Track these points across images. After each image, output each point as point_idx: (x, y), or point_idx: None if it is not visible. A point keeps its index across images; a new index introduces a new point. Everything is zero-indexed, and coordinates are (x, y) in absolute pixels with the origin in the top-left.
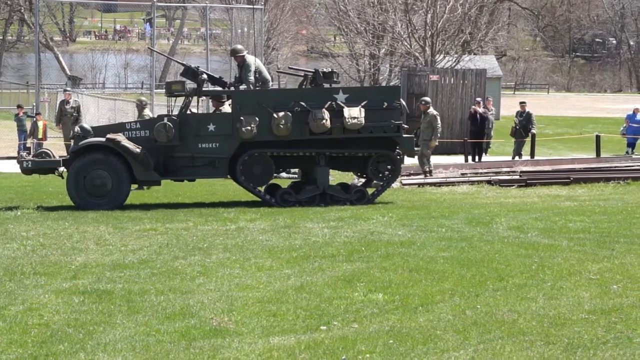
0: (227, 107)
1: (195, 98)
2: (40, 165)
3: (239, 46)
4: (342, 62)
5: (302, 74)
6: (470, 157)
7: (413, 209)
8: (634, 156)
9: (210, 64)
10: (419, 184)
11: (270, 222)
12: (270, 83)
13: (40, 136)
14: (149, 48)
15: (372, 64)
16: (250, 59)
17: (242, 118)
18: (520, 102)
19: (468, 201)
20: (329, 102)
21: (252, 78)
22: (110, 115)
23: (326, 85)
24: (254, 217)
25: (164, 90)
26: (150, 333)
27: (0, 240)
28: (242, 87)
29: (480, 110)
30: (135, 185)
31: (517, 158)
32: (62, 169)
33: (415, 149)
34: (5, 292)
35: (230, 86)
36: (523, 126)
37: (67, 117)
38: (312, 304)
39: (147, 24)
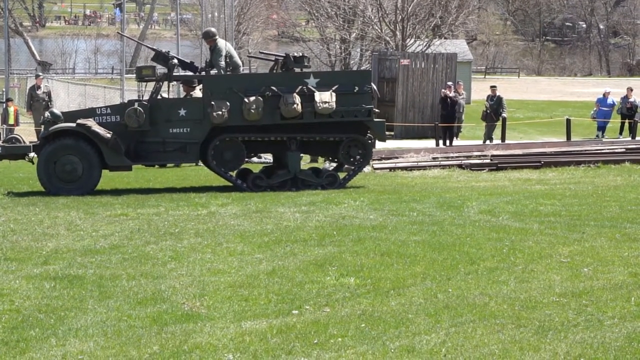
0: (197, 92)
1: (166, 83)
2: (10, 151)
3: (212, 29)
4: (313, 46)
5: (273, 59)
6: (441, 142)
7: (384, 193)
8: (604, 139)
9: (180, 49)
10: (390, 169)
11: (241, 206)
12: (241, 68)
13: (11, 122)
14: (118, 33)
15: (343, 48)
16: (222, 43)
17: (213, 103)
18: (491, 86)
19: (439, 185)
20: (300, 87)
21: (222, 63)
22: (80, 101)
23: (297, 70)
24: (225, 202)
25: (135, 75)
26: (122, 318)
27: None
28: (213, 71)
29: (451, 94)
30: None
31: (488, 142)
32: (32, 154)
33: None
34: None
35: (201, 71)
36: (494, 110)
37: (38, 102)
38: (284, 289)
39: (117, 8)
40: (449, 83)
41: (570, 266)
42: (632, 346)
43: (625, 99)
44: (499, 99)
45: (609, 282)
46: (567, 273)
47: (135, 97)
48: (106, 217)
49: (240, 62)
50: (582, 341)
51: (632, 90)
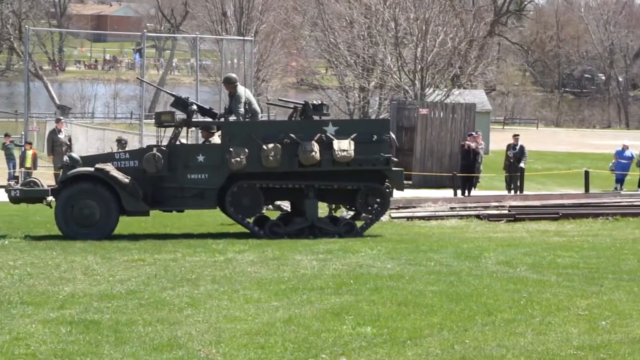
0: (216, 138)
1: (184, 129)
2: (28, 194)
3: (233, 75)
4: (332, 94)
5: (292, 106)
6: (459, 191)
7: (402, 242)
8: (622, 192)
9: (200, 95)
10: (408, 218)
11: (258, 253)
12: (260, 115)
13: (28, 165)
14: (138, 78)
15: (361, 96)
16: (241, 89)
17: (231, 149)
18: (514, 135)
19: (457, 235)
20: (319, 135)
21: (242, 109)
22: (99, 145)
23: (316, 118)
24: (242, 249)
25: (154, 120)
26: None
27: None
28: (232, 118)
29: (473, 145)
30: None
31: (512, 192)
32: (50, 198)
33: (406, 182)
34: None
35: (220, 117)
36: (517, 159)
37: (59, 146)
38: (300, 337)
39: (137, 54)
40: (472, 133)
41: (588, 319)
42: None
43: None
44: (522, 147)
45: (627, 336)
46: (585, 326)
47: (154, 143)
48: (123, 262)
49: (259, 109)
50: None
51: None
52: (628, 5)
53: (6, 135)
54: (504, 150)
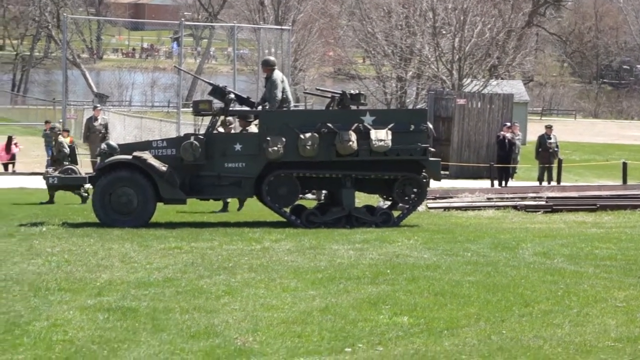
0: (253, 127)
1: (222, 117)
2: (65, 181)
3: (272, 58)
4: (369, 84)
5: (330, 96)
6: (496, 182)
7: (439, 233)
8: None
9: (237, 84)
10: (445, 208)
11: (295, 242)
12: (292, 103)
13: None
14: (175, 67)
15: (399, 86)
16: (278, 75)
17: (268, 138)
18: (546, 126)
19: (494, 226)
20: (356, 124)
21: (279, 95)
22: (136, 133)
23: (353, 107)
24: (279, 238)
25: (191, 109)
26: (175, 352)
27: (25, 256)
28: (266, 104)
29: (508, 135)
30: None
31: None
32: (88, 185)
33: (443, 172)
34: (29, 308)
35: (257, 105)
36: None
37: (94, 134)
38: (337, 326)
39: (175, 42)
40: (507, 124)
41: (625, 311)
42: None
43: None
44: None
45: None
46: (623, 318)
47: (191, 131)
48: (160, 249)
49: (291, 97)
50: None
51: None
52: None
53: (46, 122)
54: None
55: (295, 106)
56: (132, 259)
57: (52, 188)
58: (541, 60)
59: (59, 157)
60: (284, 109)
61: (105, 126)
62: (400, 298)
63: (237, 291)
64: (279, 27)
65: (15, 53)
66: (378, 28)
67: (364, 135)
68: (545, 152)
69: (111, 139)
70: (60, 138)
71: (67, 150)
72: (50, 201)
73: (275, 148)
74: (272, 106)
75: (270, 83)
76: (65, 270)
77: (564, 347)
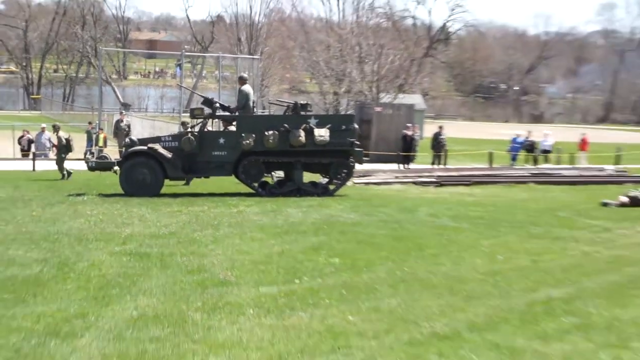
0: (233, 127)
1: (210, 120)
2: (101, 165)
3: (245, 75)
4: (314, 97)
5: (286, 105)
6: (401, 165)
7: (361, 200)
8: (515, 167)
9: (221, 96)
10: (366, 183)
11: (261, 207)
12: (253, 110)
13: (101, 145)
14: (178, 85)
15: (335, 99)
16: (248, 87)
17: (243, 134)
18: (439, 126)
19: (399, 196)
20: (304, 125)
21: (243, 102)
22: (150, 131)
23: (302, 113)
24: (250, 204)
25: (189, 114)
26: (176, 283)
27: (72, 217)
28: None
29: (410, 133)
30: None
31: (437, 166)
32: (116, 168)
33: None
34: (75, 253)
35: (235, 111)
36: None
37: (121, 131)
38: (289, 265)
39: (178, 67)
40: (409, 125)
41: (489, 254)
42: (531, 310)
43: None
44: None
45: (516, 266)
46: (487, 259)
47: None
48: (167, 212)
49: (252, 106)
50: (495, 306)
51: (530, 132)
52: (521, 35)
53: (89, 123)
54: (434, 137)
55: (262, 111)
56: (147, 218)
57: (91, 169)
58: (434, 80)
59: (60, 146)
60: (253, 114)
61: (129, 126)
62: (334, 245)
63: (220, 241)
64: (251, 56)
65: (65, 75)
66: (320, 57)
67: (309, 132)
68: (438, 144)
69: (132, 135)
70: (60, 133)
71: (64, 142)
72: (63, 178)
73: (248, 141)
74: (237, 107)
75: (240, 93)
76: (100, 226)
77: (446, 279)
